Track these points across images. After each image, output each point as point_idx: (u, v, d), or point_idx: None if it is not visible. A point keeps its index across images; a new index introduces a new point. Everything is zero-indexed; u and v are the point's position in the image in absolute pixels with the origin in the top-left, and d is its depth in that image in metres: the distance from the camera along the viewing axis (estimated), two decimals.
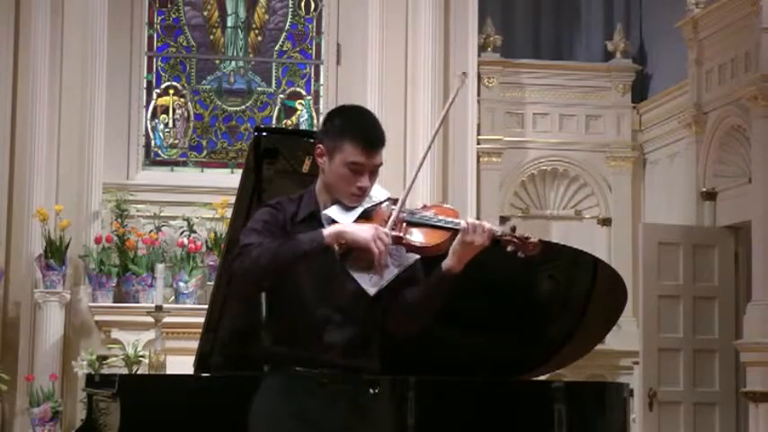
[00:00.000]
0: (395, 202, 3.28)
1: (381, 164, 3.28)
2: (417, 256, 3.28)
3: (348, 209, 3.25)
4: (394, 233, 3.20)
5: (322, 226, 3.24)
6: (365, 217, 3.26)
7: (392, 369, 3.90)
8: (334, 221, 3.24)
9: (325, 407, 3.19)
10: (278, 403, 3.21)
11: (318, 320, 3.21)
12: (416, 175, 3.48)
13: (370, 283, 3.20)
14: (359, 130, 3.24)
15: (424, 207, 3.33)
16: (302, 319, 3.21)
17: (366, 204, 3.27)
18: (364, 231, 3.13)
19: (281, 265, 3.13)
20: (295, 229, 3.24)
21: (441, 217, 3.26)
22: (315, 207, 3.28)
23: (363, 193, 3.25)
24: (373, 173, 3.26)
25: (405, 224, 3.23)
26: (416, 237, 3.22)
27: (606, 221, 9.92)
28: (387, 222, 3.21)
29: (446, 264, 3.20)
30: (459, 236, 3.18)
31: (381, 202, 3.30)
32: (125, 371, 8.33)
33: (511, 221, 9.60)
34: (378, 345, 3.31)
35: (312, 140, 4.47)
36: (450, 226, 3.22)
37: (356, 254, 3.19)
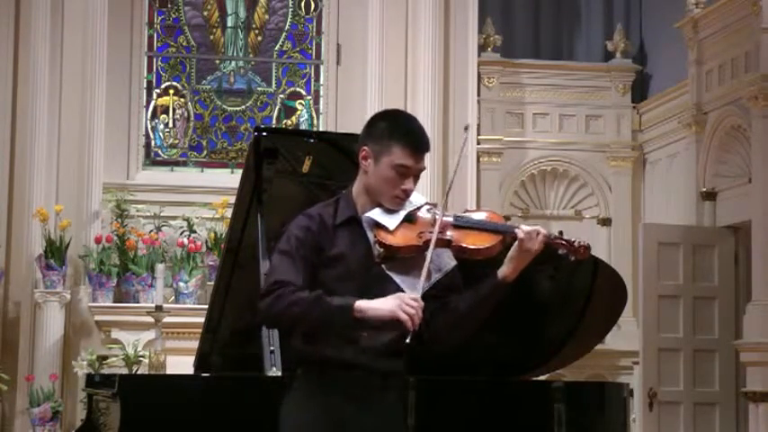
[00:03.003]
0: (434, 206, 3.31)
1: (425, 168, 3.31)
2: (455, 263, 3.29)
3: (390, 212, 3.26)
4: (443, 237, 3.21)
5: (362, 229, 3.26)
6: (408, 220, 3.27)
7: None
8: (377, 224, 3.24)
9: (357, 409, 3.20)
10: (308, 405, 3.22)
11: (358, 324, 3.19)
12: (451, 183, 3.52)
13: (411, 288, 3.19)
14: (408, 133, 3.27)
15: (466, 212, 3.35)
16: None
17: (408, 208, 3.28)
18: (388, 303, 3.11)
19: (307, 323, 3.16)
20: (334, 234, 3.25)
21: (491, 221, 3.27)
22: (353, 211, 3.29)
23: (407, 196, 3.27)
24: (417, 177, 3.29)
25: (452, 227, 3.24)
26: (467, 240, 3.23)
27: (606, 221, 9.92)
28: (432, 226, 3.22)
29: (502, 272, 3.23)
30: (516, 244, 3.21)
31: (420, 207, 3.31)
32: (125, 371, 8.32)
33: (511, 221, 9.61)
34: (410, 349, 3.31)
35: (311, 141, 4.50)
36: (500, 230, 3.24)
37: (398, 257, 3.20)
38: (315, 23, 10.13)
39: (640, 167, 9.93)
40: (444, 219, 3.24)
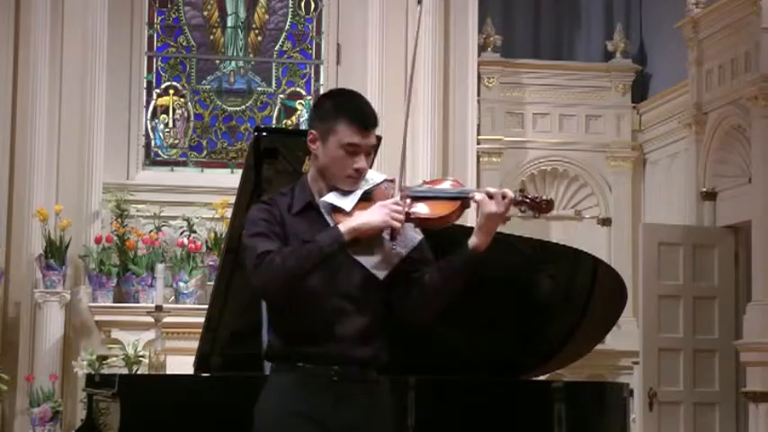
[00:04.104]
0: (392, 182, 3.23)
1: (375, 144, 3.24)
2: (422, 236, 3.23)
3: (346, 194, 3.19)
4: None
5: (320, 215, 3.19)
6: (366, 199, 3.19)
7: (393, 369, 3.89)
8: (335, 207, 3.18)
9: (333, 405, 3.14)
10: (284, 401, 3.16)
11: (330, 312, 3.14)
12: (404, 146, 3.34)
13: (378, 268, 3.14)
14: (352, 110, 3.20)
15: (425, 182, 3.28)
16: (313, 312, 3.14)
17: (365, 187, 3.21)
18: (376, 213, 3.10)
19: (306, 270, 3.09)
20: (293, 222, 3.19)
21: (446, 187, 3.21)
22: (310, 197, 3.23)
23: (360, 175, 3.20)
24: (368, 154, 3.22)
25: (409, 200, 3.17)
26: (425, 210, 3.16)
27: (606, 221, 9.92)
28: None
29: (473, 241, 3.14)
30: (480, 210, 3.13)
31: (379, 184, 3.24)
32: (125, 371, 8.32)
33: (511, 221, 9.60)
34: (387, 334, 3.25)
35: None
36: (457, 196, 3.18)
37: (359, 239, 3.13)
38: (315, 23, 10.13)
39: (640, 167, 9.93)
40: (401, 192, 3.17)
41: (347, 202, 3.18)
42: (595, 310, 4.72)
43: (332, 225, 3.17)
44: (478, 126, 9.71)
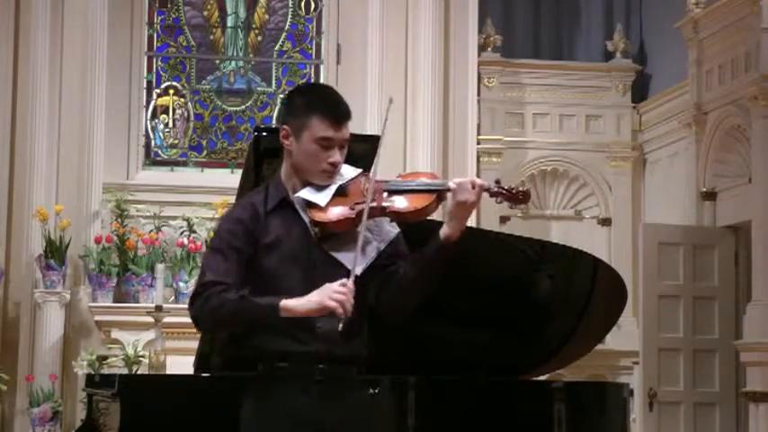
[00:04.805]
0: (368, 176, 3.20)
1: (348, 138, 3.22)
2: (398, 230, 3.22)
3: (320, 189, 3.18)
4: (376, 204, 3.12)
5: (295, 212, 3.18)
6: (341, 194, 3.17)
7: (392, 369, 3.89)
8: (309, 203, 3.16)
9: (322, 406, 3.13)
10: (272, 402, 3.15)
11: None
12: (380, 141, 3.30)
13: (354, 264, 3.10)
14: (325, 104, 3.19)
15: (400, 176, 3.26)
16: None
17: (339, 182, 3.19)
18: (314, 295, 3.06)
19: (234, 325, 3.18)
20: (268, 221, 3.18)
21: (422, 180, 3.20)
22: (284, 194, 3.21)
23: (335, 169, 3.19)
24: (342, 147, 3.20)
25: (385, 193, 3.15)
26: (400, 203, 3.15)
27: (606, 221, 9.92)
28: (365, 195, 3.13)
29: (445, 231, 3.12)
30: (451, 198, 3.12)
31: (354, 178, 3.22)
32: (125, 371, 8.33)
33: (511, 221, 9.61)
34: (368, 328, 3.23)
35: None
36: (433, 188, 3.16)
37: (336, 234, 3.13)
38: (315, 23, 10.13)
39: (640, 167, 9.93)
40: (376, 186, 3.14)
41: (321, 197, 3.16)
42: (595, 310, 4.72)
43: (307, 221, 3.16)
44: (478, 126, 9.71)
